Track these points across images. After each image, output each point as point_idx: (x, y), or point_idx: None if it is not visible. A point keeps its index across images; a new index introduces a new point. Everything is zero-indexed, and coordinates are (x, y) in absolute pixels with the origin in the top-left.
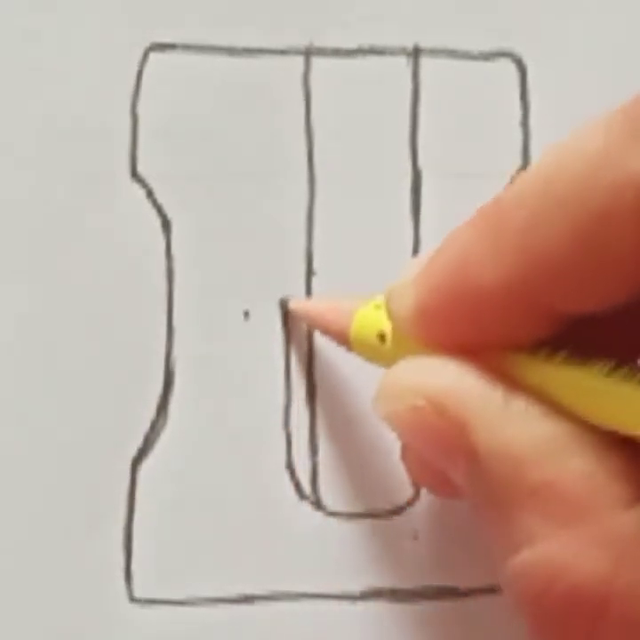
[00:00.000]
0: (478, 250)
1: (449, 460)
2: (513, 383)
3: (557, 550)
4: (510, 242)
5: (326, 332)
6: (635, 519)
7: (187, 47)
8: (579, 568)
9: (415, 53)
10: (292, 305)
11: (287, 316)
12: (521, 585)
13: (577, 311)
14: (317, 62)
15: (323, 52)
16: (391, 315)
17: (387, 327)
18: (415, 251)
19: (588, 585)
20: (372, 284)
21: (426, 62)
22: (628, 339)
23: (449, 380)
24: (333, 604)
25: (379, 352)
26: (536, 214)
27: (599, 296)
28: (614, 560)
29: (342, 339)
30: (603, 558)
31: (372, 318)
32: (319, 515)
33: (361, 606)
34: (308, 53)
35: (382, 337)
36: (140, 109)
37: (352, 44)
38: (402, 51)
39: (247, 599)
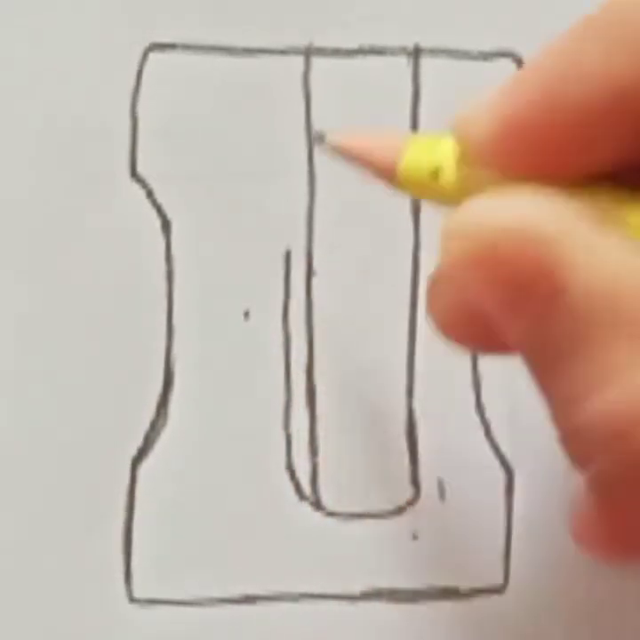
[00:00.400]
0: (584, 54)
1: (515, 307)
2: (602, 217)
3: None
4: (624, 42)
5: (370, 166)
6: None
7: (187, 47)
8: None
9: (415, 53)
10: (331, 137)
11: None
12: (604, 426)
13: None
14: (317, 62)
15: (323, 51)
16: (464, 138)
17: (445, 161)
18: (415, 250)
19: None
20: (372, 284)
21: (426, 62)
22: None
23: (535, 211)
24: (333, 605)
25: (432, 189)
26: None
27: None
28: None
29: (388, 175)
30: None
31: (424, 152)
32: (319, 515)
33: (361, 606)
34: (308, 53)
35: (436, 174)
36: (140, 109)
37: (352, 44)
38: (402, 51)
39: (247, 599)
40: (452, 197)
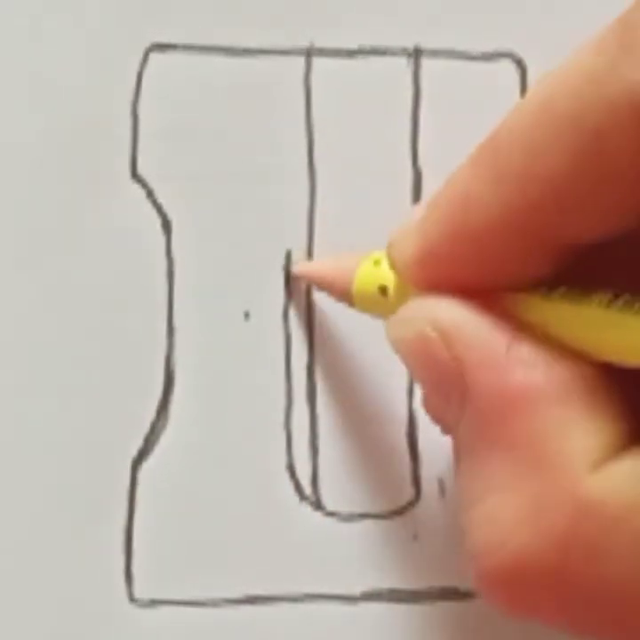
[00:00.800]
0: (478, 185)
1: (444, 396)
2: (516, 325)
3: (513, 506)
4: (509, 171)
5: (330, 292)
6: (596, 486)
7: (187, 47)
8: (526, 532)
9: (416, 54)
10: (294, 269)
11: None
12: (475, 538)
13: (579, 239)
14: (318, 63)
15: (323, 52)
16: (394, 263)
17: (388, 280)
18: None
19: (534, 553)
20: None
21: (427, 63)
22: (629, 271)
23: (458, 316)
24: (334, 605)
25: (382, 305)
26: (533, 139)
27: (600, 220)
28: (564, 531)
29: (346, 297)
30: (556, 524)
31: (372, 273)
32: (319, 515)
33: (361, 607)
34: (309, 54)
35: (384, 290)
36: (141, 109)
37: (353, 45)
38: (403, 51)
39: (247, 600)
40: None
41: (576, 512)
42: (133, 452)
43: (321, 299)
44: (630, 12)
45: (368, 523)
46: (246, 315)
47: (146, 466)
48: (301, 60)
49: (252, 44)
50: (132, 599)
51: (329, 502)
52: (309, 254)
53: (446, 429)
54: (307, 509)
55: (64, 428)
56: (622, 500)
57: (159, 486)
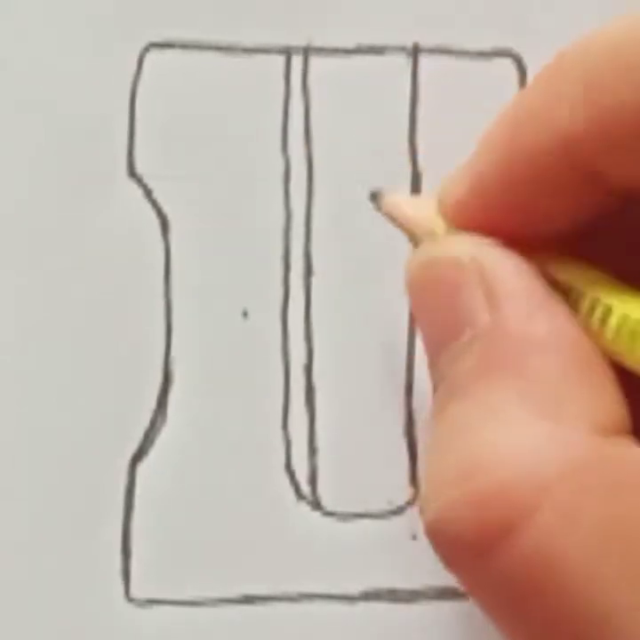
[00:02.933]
0: (534, 107)
1: (454, 328)
2: (548, 280)
3: (522, 434)
4: (573, 94)
5: (413, 233)
6: (593, 445)
7: (185, 46)
8: (515, 460)
9: (414, 52)
10: (384, 200)
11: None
12: (470, 453)
13: (625, 184)
14: (316, 61)
15: (321, 51)
16: (443, 207)
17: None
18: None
19: (517, 485)
20: (372, 284)
21: (425, 61)
22: None
23: (499, 256)
24: (332, 605)
25: None
26: (602, 74)
27: None
28: (553, 474)
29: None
30: (547, 474)
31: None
32: (318, 515)
33: (360, 607)
34: (307, 52)
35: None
36: (138, 108)
37: (351, 43)
38: (401, 49)
39: (246, 599)
40: None
41: (571, 469)
42: (131, 451)
43: (320, 298)
44: None
45: (366, 522)
46: (244, 313)
47: (143, 465)
48: (299, 59)
49: (250, 43)
50: (129, 599)
51: (327, 502)
52: (308, 254)
53: (440, 368)
54: (305, 509)
55: (62, 427)
56: (621, 474)
57: (157, 485)
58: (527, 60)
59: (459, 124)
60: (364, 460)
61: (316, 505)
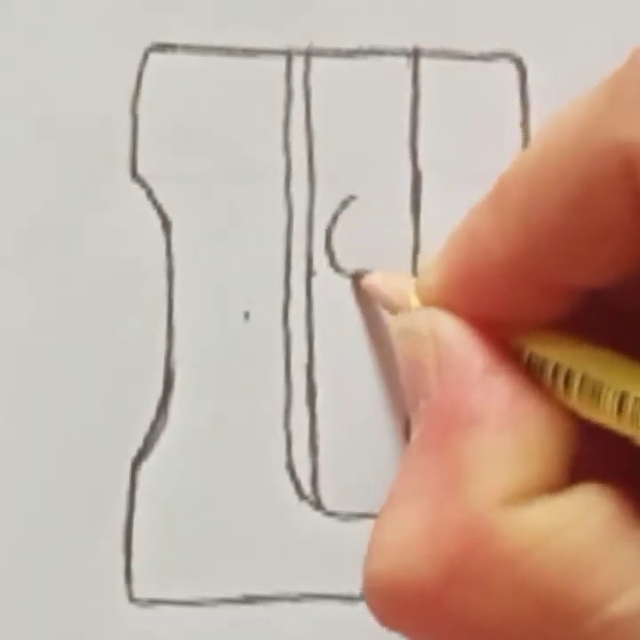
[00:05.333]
0: (485, 226)
1: (415, 394)
2: (512, 360)
3: (420, 517)
4: (512, 216)
5: (390, 307)
6: (500, 522)
7: (187, 48)
8: (420, 548)
9: (415, 54)
10: (364, 281)
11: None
12: (375, 537)
13: (580, 284)
14: (317, 63)
15: (323, 52)
16: (420, 290)
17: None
18: (415, 251)
19: (419, 572)
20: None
21: (426, 63)
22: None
23: (454, 329)
24: (333, 605)
25: None
26: (533, 186)
27: (600, 269)
28: (455, 559)
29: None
30: (449, 550)
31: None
32: (319, 515)
33: (361, 607)
34: (308, 54)
35: None
36: (141, 110)
37: (352, 45)
38: (402, 51)
39: (247, 600)
40: None
41: (471, 542)
42: (133, 451)
43: (321, 298)
44: (622, 68)
45: (368, 522)
46: (246, 315)
47: (145, 466)
48: (301, 61)
49: (252, 45)
50: (131, 599)
51: (329, 502)
52: (309, 254)
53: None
54: (306, 509)
55: (64, 428)
56: (521, 540)
57: (159, 486)
58: (527, 63)
59: (459, 125)
60: (365, 459)
61: (318, 505)
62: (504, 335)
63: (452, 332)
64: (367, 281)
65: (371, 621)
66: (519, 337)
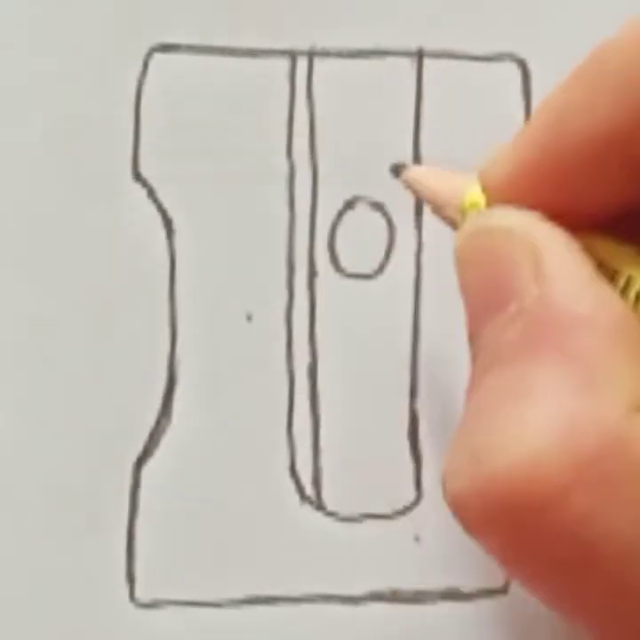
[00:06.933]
0: (576, 98)
1: (499, 299)
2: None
3: (548, 416)
4: (610, 85)
5: (437, 206)
6: (637, 428)
7: (190, 48)
8: (552, 443)
9: (419, 55)
10: (407, 172)
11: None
12: (491, 431)
13: None
14: (320, 63)
15: (325, 52)
16: (486, 187)
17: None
18: (418, 251)
19: (550, 468)
20: (374, 285)
21: (429, 64)
22: None
23: (550, 231)
24: (335, 606)
25: None
26: (635, 59)
27: None
28: (590, 459)
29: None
30: (584, 449)
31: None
32: (321, 516)
33: (363, 608)
34: (311, 55)
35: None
36: (143, 110)
37: (355, 45)
38: (405, 52)
39: (249, 600)
40: None
41: (607, 444)
42: (136, 452)
43: (323, 300)
44: None
45: (370, 523)
46: (249, 316)
47: (148, 467)
48: (304, 61)
49: (255, 45)
50: (133, 599)
51: (330, 503)
52: (311, 255)
53: (481, 339)
54: (308, 510)
55: (66, 429)
56: None
57: (161, 487)
58: (531, 64)
59: (462, 127)
60: (368, 461)
61: (320, 506)
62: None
63: (551, 230)
64: (411, 173)
65: (372, 622)
66: (591, 241)
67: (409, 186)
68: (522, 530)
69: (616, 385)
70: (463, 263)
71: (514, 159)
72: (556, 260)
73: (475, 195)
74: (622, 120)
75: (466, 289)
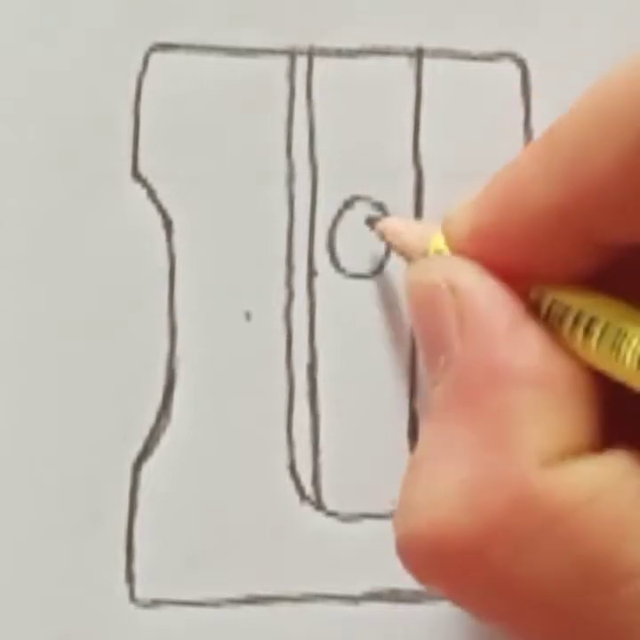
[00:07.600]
0: (531, 173)
1: (434, 351)
2: (536, 315)
3: (459, 475)
4: (560, 166)
5: (406, 252)
6: (542, 481)
7: (189, 47)
8: (462, 504)
9: (418, 54)
10: (379, 225)
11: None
12: (409, 494)
13: (621, 240)
14: (319, 63)
15: (325, 52)
16: (448, 238)
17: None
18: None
19: (461, 527)
20: (373, 285)
21: (428, 63)
22: None
23: (476, 281)
24: (335, 605)
25: None
26: (585, 138)
27: None
28: (498, 516)
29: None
30: (492, 507)
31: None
32: (321, 515)
33: (363, 607)
34: (311, 53)
35: None
36: (142, 109)
37: (354, 45)
38: (404, 51)
39: (248, 600)
40: None
41: (515, 501)
42: (135, 452)
43: (323, 299)
44: None
45: (369, 523)
46: (247, 315)
47: (147, 466)
48: (303, 60)
49: (254, 44)
50: (133, 599)
51: (330, 502)
52: (311, 255)
53: (429, 386)
54: (308, 509)
55: (65, 429)
56: (563, 501)
57: (160, 487)
58: (530, 63)
59: (462, 126)
60: (368, 460)
61: (319, 505)
62: (525, 288)
63: (476, 282)
64: (384, 224)
65: (372, 622)
66: (539, 287)
67: (381, 237)
68: (452, 578)
69: (525, 440)
70: (410, 311)
71: (471, 219)
72: (476, 316)
73: (439, 243)
74: (572, 196)
75: (414, 334)
